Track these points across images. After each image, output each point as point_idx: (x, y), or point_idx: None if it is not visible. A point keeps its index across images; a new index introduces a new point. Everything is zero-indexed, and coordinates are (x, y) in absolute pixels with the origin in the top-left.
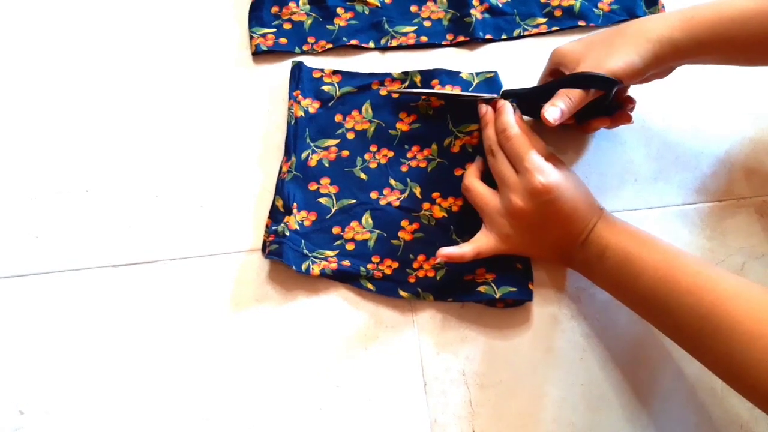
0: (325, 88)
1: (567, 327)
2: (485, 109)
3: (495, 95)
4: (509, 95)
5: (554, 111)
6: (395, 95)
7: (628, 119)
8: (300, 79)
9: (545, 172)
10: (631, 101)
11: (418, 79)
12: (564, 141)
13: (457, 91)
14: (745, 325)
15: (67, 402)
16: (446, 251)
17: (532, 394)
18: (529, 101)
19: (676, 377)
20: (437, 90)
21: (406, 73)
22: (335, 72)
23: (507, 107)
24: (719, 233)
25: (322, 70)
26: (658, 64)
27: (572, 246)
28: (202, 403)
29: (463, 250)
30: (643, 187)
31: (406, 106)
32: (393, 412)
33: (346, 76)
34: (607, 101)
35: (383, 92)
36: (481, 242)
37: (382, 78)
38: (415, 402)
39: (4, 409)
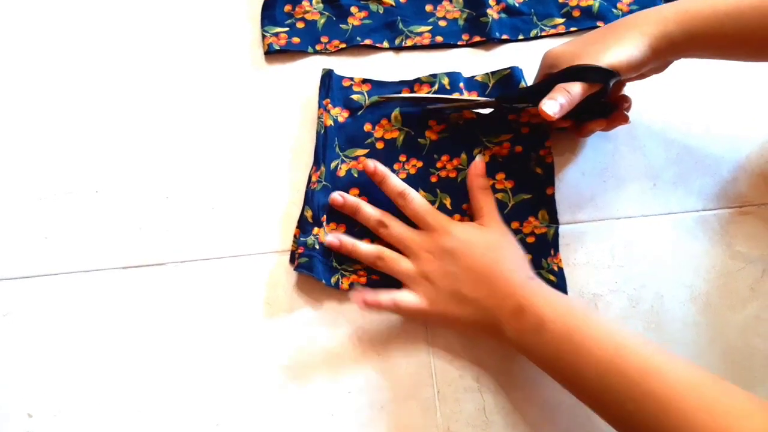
0: (355, 97)
1: None
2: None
3: (491, 99)
4: (505, 99)
5: (553, 105)
6: (382, 99)
7: (624, 119)
8: (330, 87)
9: (447, 229)
10: (626, 100)
11: (446, 81)
12: (581, 145)
13: (474, 95)
14: (699, 421)
15: (76, 405)
16: (361, 296)
17: (546, 402)
18: (527, 102)
19: None
20: (434, 95)
21: (434, 76)
22: (365, 81)
23: (388, 173)
24: (739, 240)
25: (351, 79)
26: (656, 57)
27: (500, 312)
28: (211, 408)
29: (381, 297)
30: (662, 192)
31: (436, 114)
32: (405, 419)
33: (376, 85)
34: (604, 96)
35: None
36: (404, 297)
37: (411, 84)
38: (427, 410)
39: (12, 411)
